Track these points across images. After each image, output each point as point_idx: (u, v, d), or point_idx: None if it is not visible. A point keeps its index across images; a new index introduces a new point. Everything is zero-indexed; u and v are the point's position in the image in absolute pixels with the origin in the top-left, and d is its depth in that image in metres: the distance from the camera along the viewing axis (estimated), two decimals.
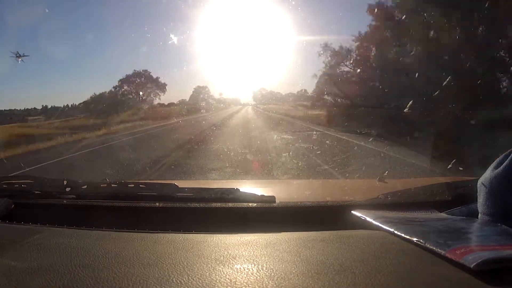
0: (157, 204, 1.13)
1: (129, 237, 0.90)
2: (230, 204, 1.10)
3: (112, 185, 1.24)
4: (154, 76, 33.19)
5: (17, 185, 1.27)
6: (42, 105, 31.48)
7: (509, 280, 0.62)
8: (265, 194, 1.12)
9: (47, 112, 29.55)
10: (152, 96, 33.36)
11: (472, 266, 0.63)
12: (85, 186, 1.22)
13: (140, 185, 1.23)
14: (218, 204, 1.11)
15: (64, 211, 1.15)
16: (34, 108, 31.69)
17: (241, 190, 1.13)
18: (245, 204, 1.10)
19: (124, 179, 1.87)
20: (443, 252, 0.70)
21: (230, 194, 1.12)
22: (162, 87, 33.80)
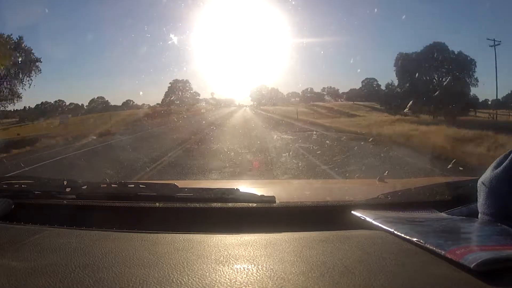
0: (157, 204, 1.13)
1: (129, 237, 0.90)
2: (230, 204, 1.10)
3: (112, 185, 1.24)
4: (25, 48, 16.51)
5: (17, 185, 1.27)
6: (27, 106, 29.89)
7: (509, 280, 0.62)
8: (265, 194, 1.12)
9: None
10: (16, 84, 17.60)
11: (472, 266, 0.63)
12: (85, 186, 1.22)
13: (140, 185, 1.23)
14: (218, 204, 1.11)
15: (64, 211, 1.15)
16: (24, 107, 30.56)
17: (241, 190, 1.13)
18: (245, 204, 1.10)
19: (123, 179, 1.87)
20: (443, 252, 0.70)
21: (230, 194, 1.12)
22: (28, 68, 17.14)
